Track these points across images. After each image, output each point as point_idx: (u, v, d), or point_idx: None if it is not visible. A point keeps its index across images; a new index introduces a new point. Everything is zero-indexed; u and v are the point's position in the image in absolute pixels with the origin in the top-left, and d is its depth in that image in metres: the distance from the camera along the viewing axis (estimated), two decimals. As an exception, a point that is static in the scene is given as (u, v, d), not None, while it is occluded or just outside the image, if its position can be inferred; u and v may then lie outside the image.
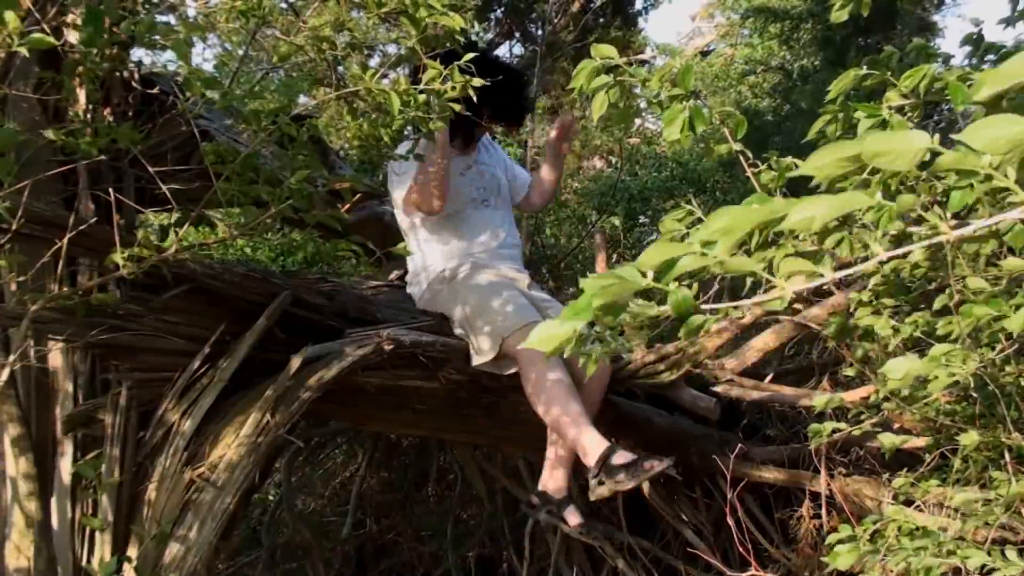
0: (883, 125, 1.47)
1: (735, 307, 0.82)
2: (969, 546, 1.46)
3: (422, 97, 1.77)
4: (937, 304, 1.46)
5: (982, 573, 1.43)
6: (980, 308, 1.31)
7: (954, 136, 0.65)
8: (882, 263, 1.64)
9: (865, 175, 0.77)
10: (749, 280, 1.62)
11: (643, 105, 1.72)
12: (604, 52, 1.53)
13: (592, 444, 2.05)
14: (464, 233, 2.56)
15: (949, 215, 0.98)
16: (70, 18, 1.83)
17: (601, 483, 1.99)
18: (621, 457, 1.98)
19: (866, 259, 0.79)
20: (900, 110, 1.50)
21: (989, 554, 1.42)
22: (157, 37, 1.57)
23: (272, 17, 1.77)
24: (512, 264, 2.59)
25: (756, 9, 7.78)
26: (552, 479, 2.31)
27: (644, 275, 0.72)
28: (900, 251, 0.77)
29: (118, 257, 1.60)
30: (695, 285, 0.77)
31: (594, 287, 0.72)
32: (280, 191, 1.68)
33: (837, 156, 0.69)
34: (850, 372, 1.88)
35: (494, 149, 2.83)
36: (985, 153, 0.64)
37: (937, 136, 0.66)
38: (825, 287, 2.65)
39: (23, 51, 1.34)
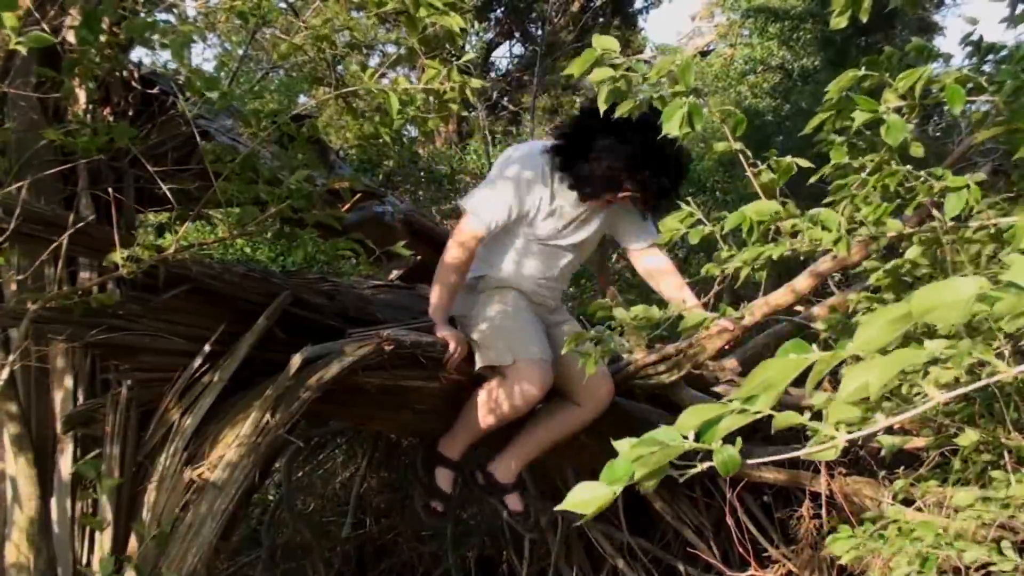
0: (879, 123, 1.46)
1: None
2: (967, 544, 1.46)
3: (420, 97, 1.78)
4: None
5: (979, 569, 1.44)
6: (977, 306, 1.31)
7: (1002, 277, 0.62)
8: (882, 260, 1.65)
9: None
10: (751, 277, 1.62)
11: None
12: (606, 44, 1.52)
13: (453, 449, 2.42)
14: (519, 259, 2.40)
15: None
16: (69, 19, 1.83)
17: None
18: (440, 477, 2.44)
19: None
20: (898, 111, 1.49)
21: (987, 549, 1.42)
22: (155, 37, 1.57)
23: (272, 17, 1.77)
24: (547, 295, 2.47)
25: (756, 9, 7.77)
26: (502, 466, 2.47)
27: (685, 437, 0.72)
28: (955, 393, 0.74)
29: (117, 257, 1.60)
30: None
31: (634, 455, 0.71)
32: (279, 191, 1.68)
33: (886, 320, 0.65)
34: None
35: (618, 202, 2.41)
36: None
37: (985, 280, 0.63)
38: (826, 287, 2.64)
39: (22, 50, 1.34)
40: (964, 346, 0.85)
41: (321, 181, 1.96)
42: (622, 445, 0.73)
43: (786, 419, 0.73)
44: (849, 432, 0.73)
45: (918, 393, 1.44)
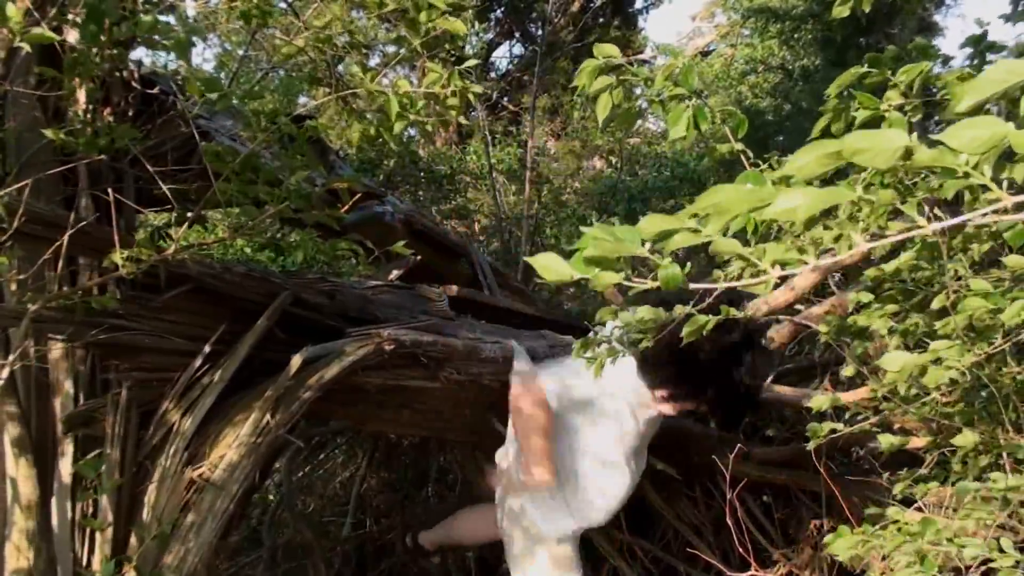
0: (881, 120, 1.47)
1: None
2: (968, 541, 1.45)
3: (421, 102, 1.78)
4: (936, 304, 1.46)
5: (979, 567, 1.43)
6: (976, 301, 1.31)
7: (933, 136, 0.66)
8: (880, 264, 1.65)
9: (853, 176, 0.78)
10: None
11: (644, 105, 1.71)
12: (607, 52, 1.53)
13: None
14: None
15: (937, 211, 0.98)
16: (70, 17, 1.83)
17: None
18: None
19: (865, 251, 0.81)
20: (900, 109, 1.50)
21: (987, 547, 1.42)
22: (157, 37, 1.57)
23: (273, 16, 1.77)
24: None
25: (756, 10, 7.77)
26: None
27: (642, 242, 0.76)
28: (880, 243, 0.78)
29: (117, 257, 1.60)
30: (688, 265, 0.79)
31: (589, 239, 0.76)
32: (279, 192, 1.68)
33: (818, 153, 0.70)
34: (849, 372, 1.88)
35: None
36: (963, 152, 0.65)
37: (915, 135, 0.67)
38: (826, 287, 2.64)
39: (25, 47, 1.34)
40: (885, 196, 0.87)
41: (321, 181, 1.96)
42: (585, 233, 0.78)
43: (726, 245, 0.77)
44: (783, 270, 0.77)
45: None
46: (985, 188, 0.67)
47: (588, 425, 2.27)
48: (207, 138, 2.17)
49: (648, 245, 0.77)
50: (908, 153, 0.66)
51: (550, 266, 0.79)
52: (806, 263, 0.79)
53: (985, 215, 0.71)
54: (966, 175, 0.66)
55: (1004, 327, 1.38)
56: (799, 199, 0.69)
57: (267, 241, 1.81)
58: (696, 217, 0.76)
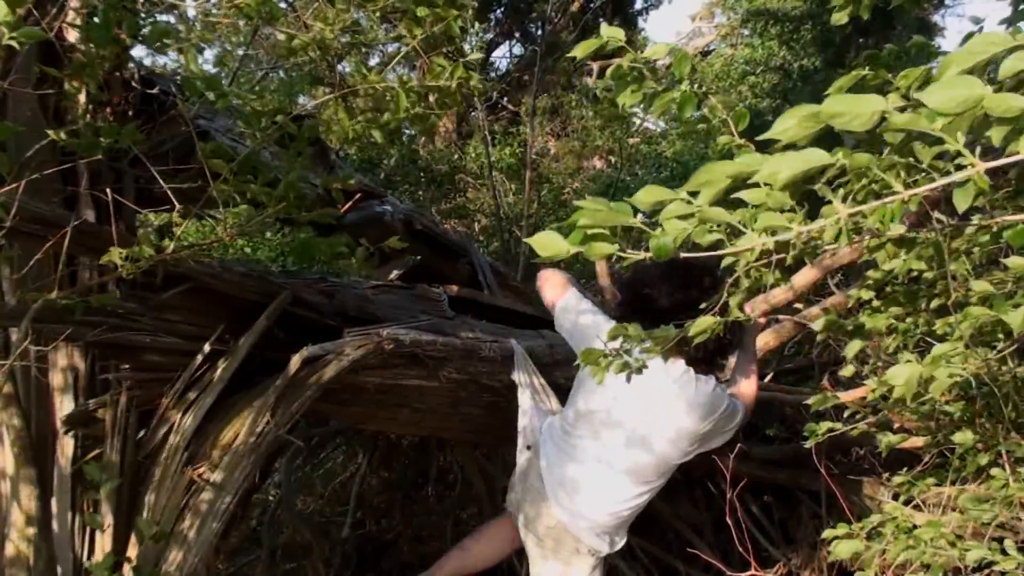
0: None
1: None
2: (970, 544, 1.46)
3: (427, 93, 1.78)
4: (935, 304, 1.46)
5: (980, 568, 1.43)
6: (979, 309, 1.30)
7: (914, 94, 0.68)
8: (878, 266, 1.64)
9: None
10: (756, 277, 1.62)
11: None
12: (612, 33, 1.50)
13: None
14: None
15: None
16: (70, 17, 1.83)
17: None
18: None
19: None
20: (901, 111, 1.49)
21: (988, 549, 1.42)
22: (168, 42, 1.57)
23: (277, 15, 1.77)
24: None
25: (756, 12, 7.78)
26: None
27: (635, 212, 0.81)
28: (864, 207, 0.83)
29: (115, 256, 1.60)
30: (678, 237, 0.82)
31: (584, 212, 0.80)
32: (275, 191, 1.68)
33: (799, 116, 0.74)
34: (848, 372, 1.88)
35: None
36: (937, 117, 0.67)
37: (891, 98, 0.70)
38: (826, 287, 2.64)
39: (16, 45, 1.34)
40: (860, 159, 0.89)
41: (316, 181, 1.95)
42: (580, 207, 0.82)
43: (715, 214, 0.81)
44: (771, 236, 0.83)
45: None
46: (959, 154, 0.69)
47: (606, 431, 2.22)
48: (207, 138, 2.17)
49: (640, 216, 0.81)
50: (885, 118, 0.70)
51: (546, 243, 0.83)
52: (791, 229, 0.83)
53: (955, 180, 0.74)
54: (939, 140, 0.68)
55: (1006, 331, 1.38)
56: (781, 164, 0.75)
57: (288, 245, 1.82)
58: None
